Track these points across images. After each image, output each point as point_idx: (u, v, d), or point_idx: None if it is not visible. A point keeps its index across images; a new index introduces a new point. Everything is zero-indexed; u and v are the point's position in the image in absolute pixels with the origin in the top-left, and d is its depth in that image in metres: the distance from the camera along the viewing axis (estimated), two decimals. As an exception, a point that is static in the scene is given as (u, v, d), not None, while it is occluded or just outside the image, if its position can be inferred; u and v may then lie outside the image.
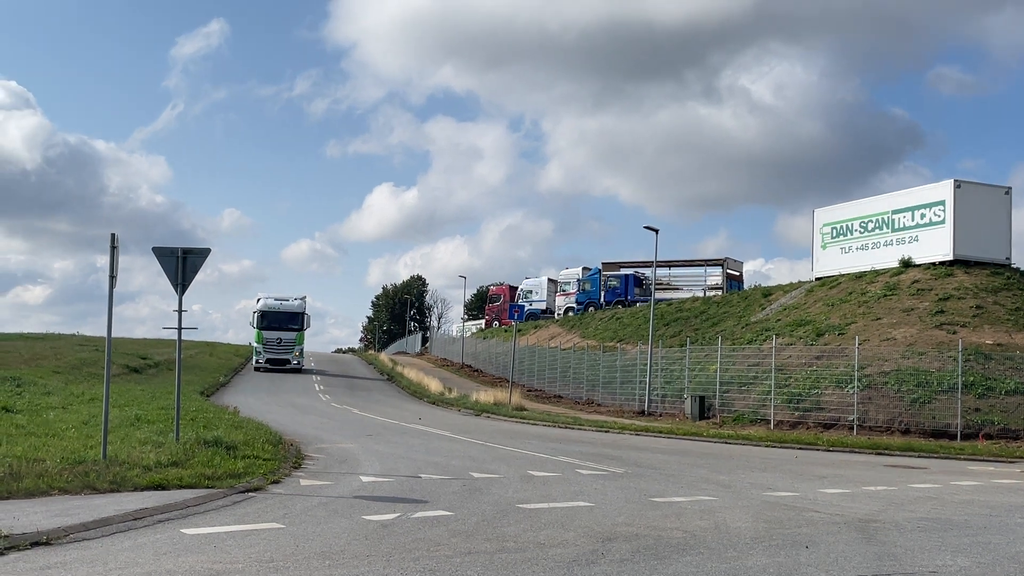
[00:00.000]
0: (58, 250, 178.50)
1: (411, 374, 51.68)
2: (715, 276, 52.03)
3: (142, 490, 10.88)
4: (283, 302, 51.90)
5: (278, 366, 50.92)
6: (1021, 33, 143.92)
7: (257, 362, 51.28)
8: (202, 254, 14.68)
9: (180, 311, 14.78)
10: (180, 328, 14.94)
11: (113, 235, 12.81)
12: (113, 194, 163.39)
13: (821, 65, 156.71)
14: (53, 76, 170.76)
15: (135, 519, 9.12)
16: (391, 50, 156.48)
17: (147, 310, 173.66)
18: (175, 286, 14.54)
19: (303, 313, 51.80)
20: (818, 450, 22.00)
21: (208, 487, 11.33)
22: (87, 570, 6.99)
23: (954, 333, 27.74)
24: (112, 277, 12.86)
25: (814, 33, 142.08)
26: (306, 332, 52.60)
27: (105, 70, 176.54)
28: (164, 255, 14.53)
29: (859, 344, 26.88)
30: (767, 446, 22.86)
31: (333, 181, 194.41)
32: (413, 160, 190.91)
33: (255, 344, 51.72)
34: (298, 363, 51.86)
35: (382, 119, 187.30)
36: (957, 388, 24.36)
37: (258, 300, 53.01)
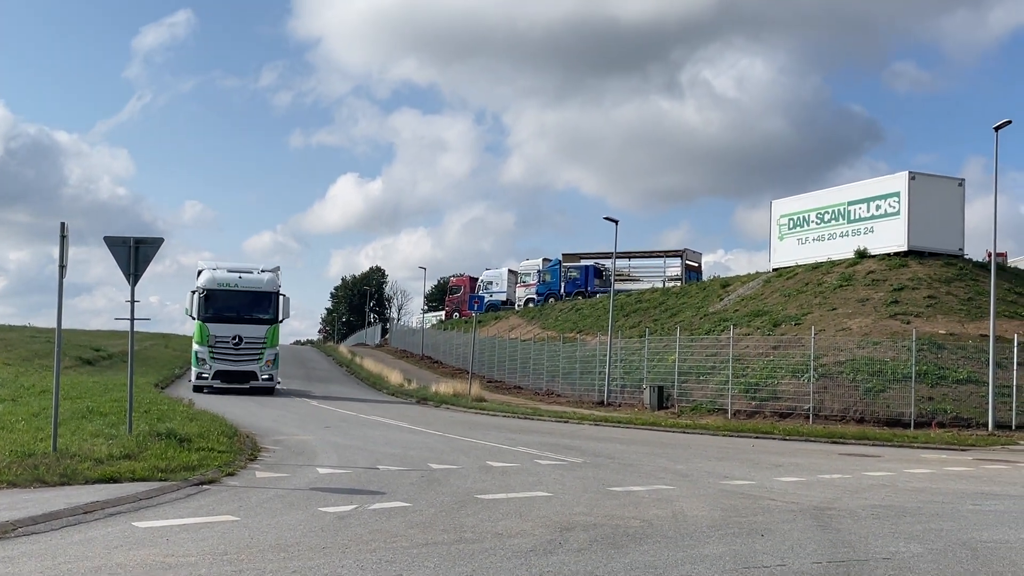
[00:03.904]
0: (14, 240, 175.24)
1: (370, 365, 51.45)
2: (674, 267, 52.37)
3: (93, 483, 10.67)
4: (242, 275, 33.43)
5: (235, 383, 32.91)
6: (972, 34, 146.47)
7: (200, 376, 32.57)
8: (154, 244, 14.44)
9: (132, 301, 14.54)
10: (132, 319, 14.72)
11: (63, 224, 12.55)
12: (73, 186, 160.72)
13: (782, 62, 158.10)
14: (13, 66, 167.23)
15: (85, 512, 8.95)
16: (354, 44, 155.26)
17: (103, 301, 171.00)
18: (127, 276, 14.28)
19: (276, 293, 33.23)
20: (774, 439, 22.20)
21: (161, 480, 11.14)
22: (36, 564, 6.84)
23: (908, 323, 28.15)
24: (62, 267, 12.60)
25: (776, 31, 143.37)
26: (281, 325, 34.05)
27: (67, 60, 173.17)
28: (116, 244, 14.26)
29: (815, 334, 27.17)
30: (724, 435, 23.03)
31: (297, 172, 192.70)
32: (377, 152, 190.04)
33: (196, 346, 32.86)
34: (269, 378, 33.52)
35: (346, 111, 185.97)
36: (911, 377, 24.71)
37: (199, 273, 33.96)
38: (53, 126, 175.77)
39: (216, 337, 32.32)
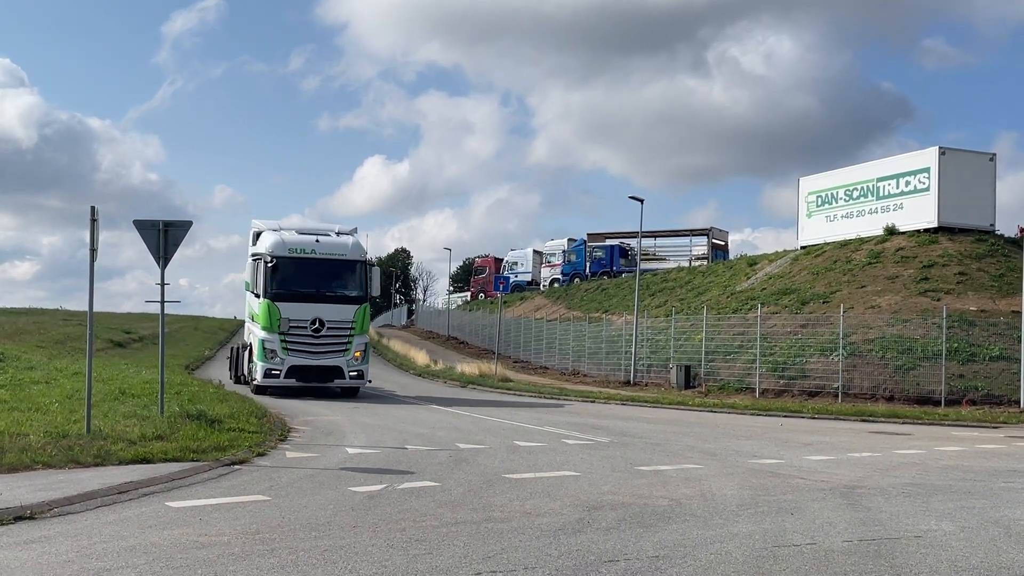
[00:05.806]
0: (46, 226, 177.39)
1: (397, 346, 51.65)
2: (700, 246, 52.08)
3: (127, 464, 10.81)
4: (319, 238, 25.26)
5: (315, 382, 25.02)
6: (1003, 9, 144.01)
7: (270, 373, 24.44)
8: (183, 227, 14.55)
9: (162, 284, 14.68)
10: (163, 301, 14.86)
11: (93, 208, 12.65)
12: (105, 171, 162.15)
13: (811, 39, 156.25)
14: (46, 54, 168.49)
15: (120, 492, 9.08)
16: (380, 28, 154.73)
17: (134, 285, 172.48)
18: (157, 259, 14.42)
19: (363, 261, 25.55)
20: (803, 418, 22.12)
21: (193, 460, 11.28)
22: (71, 544, 6.94)
23: (938, 300, 27.86)
24: (93, 250, 12.72)
25: (805, 8, 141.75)
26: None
27: (98, 48, 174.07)
28: (145, 228, 14.39)
29: (844, 312, 26.96)
30: (752, 414, 22.97)
31: (325, 155, 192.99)
32: (404, 135, 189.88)
33: (259, 332, 24.80)
34: (358, 375, 25.55)
35: (373, 95, 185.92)
36: (941, 355, 24.49)
37: (257, 235, 26.50)
38: (86, 113, 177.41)
39: (290, 321, 24.24)
